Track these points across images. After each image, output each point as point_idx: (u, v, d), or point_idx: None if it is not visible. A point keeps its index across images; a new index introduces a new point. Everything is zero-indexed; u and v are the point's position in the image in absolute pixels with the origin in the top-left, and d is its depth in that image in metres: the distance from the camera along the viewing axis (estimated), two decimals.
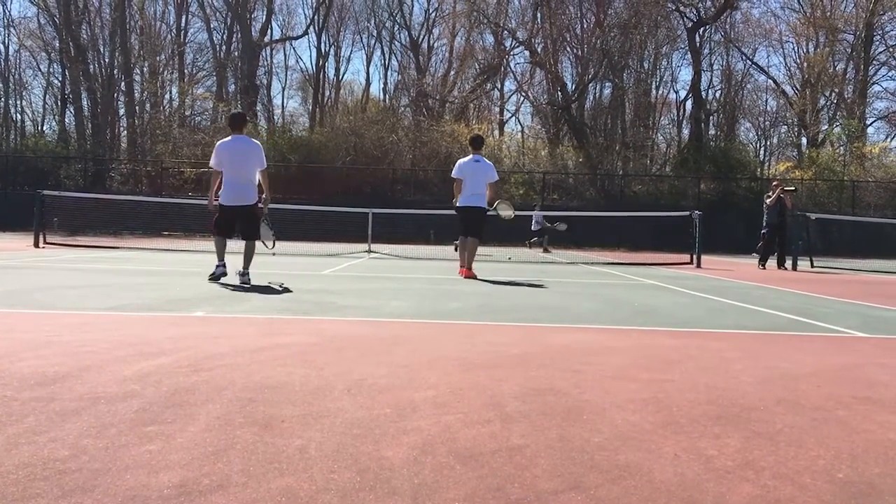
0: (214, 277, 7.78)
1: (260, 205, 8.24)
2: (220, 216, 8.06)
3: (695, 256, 15.63)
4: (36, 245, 15.32)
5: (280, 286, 7.60)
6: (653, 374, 3.40)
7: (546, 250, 22.75)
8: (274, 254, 15.32)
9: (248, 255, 7.97)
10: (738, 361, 3.83)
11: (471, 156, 9.92)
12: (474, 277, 9.44)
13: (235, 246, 8.21)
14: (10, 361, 3.24)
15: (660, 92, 47.28)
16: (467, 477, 1.94)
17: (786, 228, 15.80)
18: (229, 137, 8.12)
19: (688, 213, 16.78)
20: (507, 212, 11.53)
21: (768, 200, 15.65)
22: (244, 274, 7.73)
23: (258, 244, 8.23)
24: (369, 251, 18.04)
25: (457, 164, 9.98)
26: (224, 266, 7.86)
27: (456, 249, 10.50)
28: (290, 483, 1.86)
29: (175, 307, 5.55)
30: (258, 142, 8.34)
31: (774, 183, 16.68)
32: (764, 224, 15.81)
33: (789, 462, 2.16)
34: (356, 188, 32.53)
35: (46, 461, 1.96)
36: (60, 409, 2.48)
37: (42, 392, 2.70)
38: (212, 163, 8.10)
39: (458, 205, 9.86)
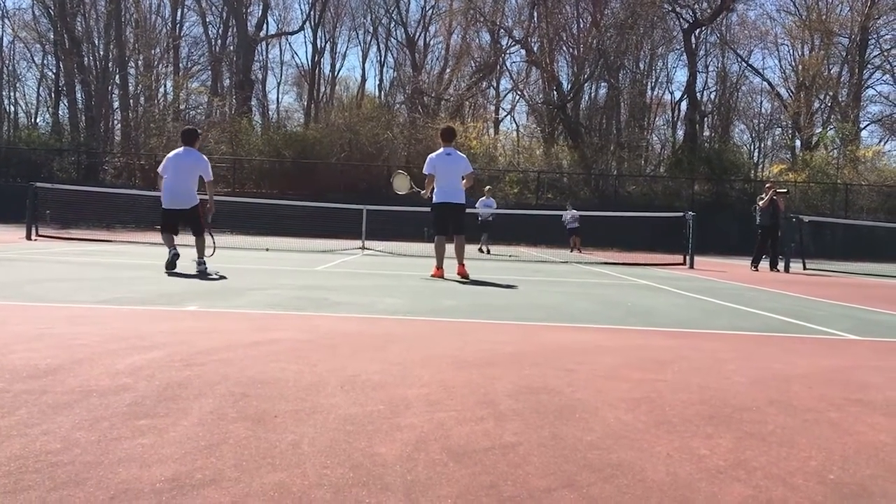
0: (170, 262, 8.32)
1: (206, 203, 9.03)
2: (163, 219, 8.84)
3: (688, 257, 15.67)
4: (28, 237, 15.27)
5: (216, 274, 8.24)
6: (646, 374, 3.40)
7: (580, 249, 22.75)
8: (268, 249, 15.31)
9: (200, 248, 8.71)
10: (731, 362, 3.84)
11: (442, 149, 9.51)
12: (466, 277, 9.14)
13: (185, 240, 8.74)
14: (2, 354, 3.23)
15: (655, 93, 47.51)
16: (460, 474, 1.94)
17: (779, 230, 15.87)
18: (181, 149, 8.86)
19: (681, 213, 16.81)
20: (400, 183, 11.23)
21: (761, 202, 15.69)
22: (201, 263, 8.51)
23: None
24: (363, 248, 18.03)
25: (427, 159, 9.56)
26: (175, 249, 8.51)
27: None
28: (282, 478, 1.85)
29: (168, 301, 5.53)
30: (206, 157, 9.03)
31: (767, 185, 16.73)
32: (757, 226, 15.85)
33: (781, 463, 2.17)
34: (351, 185, 32.51)
35: (38, 453, 1.96)
36: (52, 402, 2.47)
37: (34, 384, 2.69)
38: (160, 168, 8.91)
39: (433, 201, 9.46)
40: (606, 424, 2.50)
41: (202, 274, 8.17)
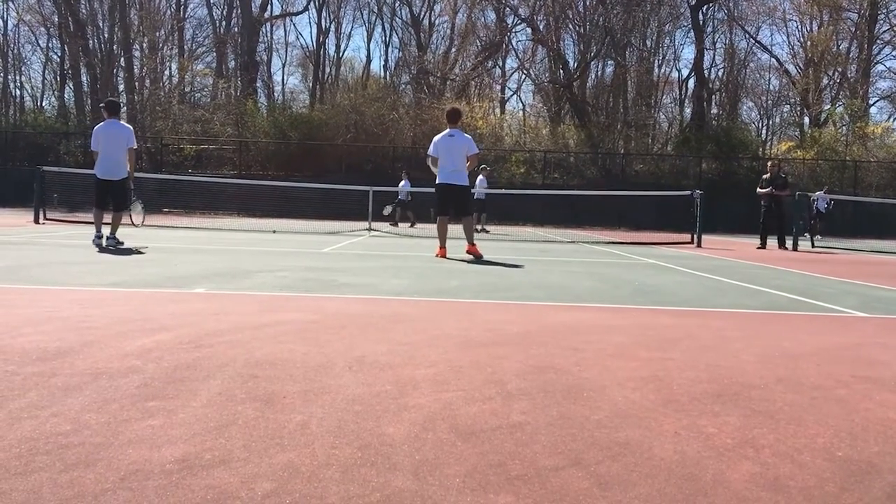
0: (97, 246, 9.01)
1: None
2: (97, 190, 9.53)
3: (695, 236, 15.63)
4: (36, 221, 15.32)
5: (136, 249, 8.84)
6: (653, 353, 3.40)
7: (395, 224, 20.89)
8: (274, 231, 15.33)
9: (116, 223, 9.45)
10: (739, 340, 3.83)
11: (446, 130, 9.54)
12: (479, 256, 9.10)
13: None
14: (11, 336, 3.25)
15: (662, 70, 47.14)
16: (468, 453, 1.95)
17: (784, 208, 15.75)
18: (107, 121, 9.55)
19: (689, 192, 16.75)
20: None
21: (761, 189, 15.62)
22: (112, 237, 9.15)
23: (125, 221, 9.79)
24: (370, 229, 18.04)
25: (432, 141, 9.65)
26: (101, 237, 9.22)
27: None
28: (291, 458, 1.86)
29: (175, 284, 5.55)
30: (129, 126, 9.88)
31: (770, 163, 16.63)
32: (763, 204, 15.75)
33: (789, 440, 2.17)
34: (357, 166, 32.47)
35: (49, 435, 1.97)
36: (62, 384, 2.48)
37: (43, 367, 2.71)
38: (93, 146, 9.60)
39: (436, 182, 9.56)
40: (614, 403, 2.50)
41: (114, 248, 8.81)
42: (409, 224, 20.99)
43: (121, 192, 9.61)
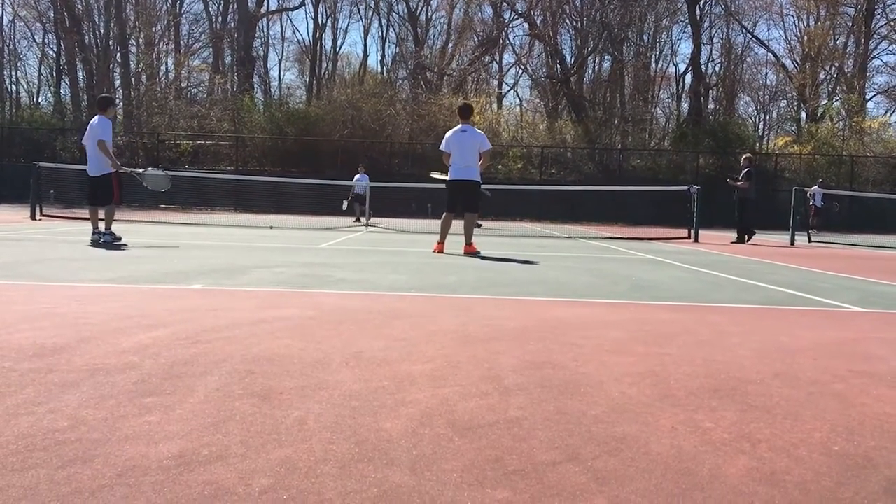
0: (95, 243, 9.02)
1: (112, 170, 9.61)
2: (87, 186, 9.54)
3: (692, 231, 15.64)
4: (32, 217, 15.30)
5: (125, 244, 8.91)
6: (650, 348, 3.40)
7: (358, 220, 20.26)
8: (272, 227, 15.32)
9: (108, 218, 9.41)
10: (736, 335, 3.84)
11: (458, 126, 9.52)
12: (476, 253, 9.12)
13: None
14: (8, 333, 3.24)
15: (659, 65, 47.18)
16: (465, 448, 1.95)
17: (741, 199, 15.63)
18: (95, 117, 9.57)
19: (686, 187, 16.75)
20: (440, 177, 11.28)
21: (741, 183, 15.57)
22: (107, 233, 9.26)
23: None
24: (367, 225, 18.01)
25: (444, 137, 9.62)
26: (98, 233, 9.29)
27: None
28: (289, 454, 1.86)
29: (172, 280, 5.54)
30: (108, 119, 9.67)
31: (743, 157, 16.58)
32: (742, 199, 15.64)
33: (785, 435, 2.17)
34: (353, 161, 32.42)
35: (46, 432, 1.97)
36: (59, 381, 2.48)
37: (40, 363, 2.70)
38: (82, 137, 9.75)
39: (448, 178, 9.55)
40: (611, 398, 2.51)
41: (106, 245, 8.81)
42: (355, 219, 20.23)
43: (105, 189, 9.51)
